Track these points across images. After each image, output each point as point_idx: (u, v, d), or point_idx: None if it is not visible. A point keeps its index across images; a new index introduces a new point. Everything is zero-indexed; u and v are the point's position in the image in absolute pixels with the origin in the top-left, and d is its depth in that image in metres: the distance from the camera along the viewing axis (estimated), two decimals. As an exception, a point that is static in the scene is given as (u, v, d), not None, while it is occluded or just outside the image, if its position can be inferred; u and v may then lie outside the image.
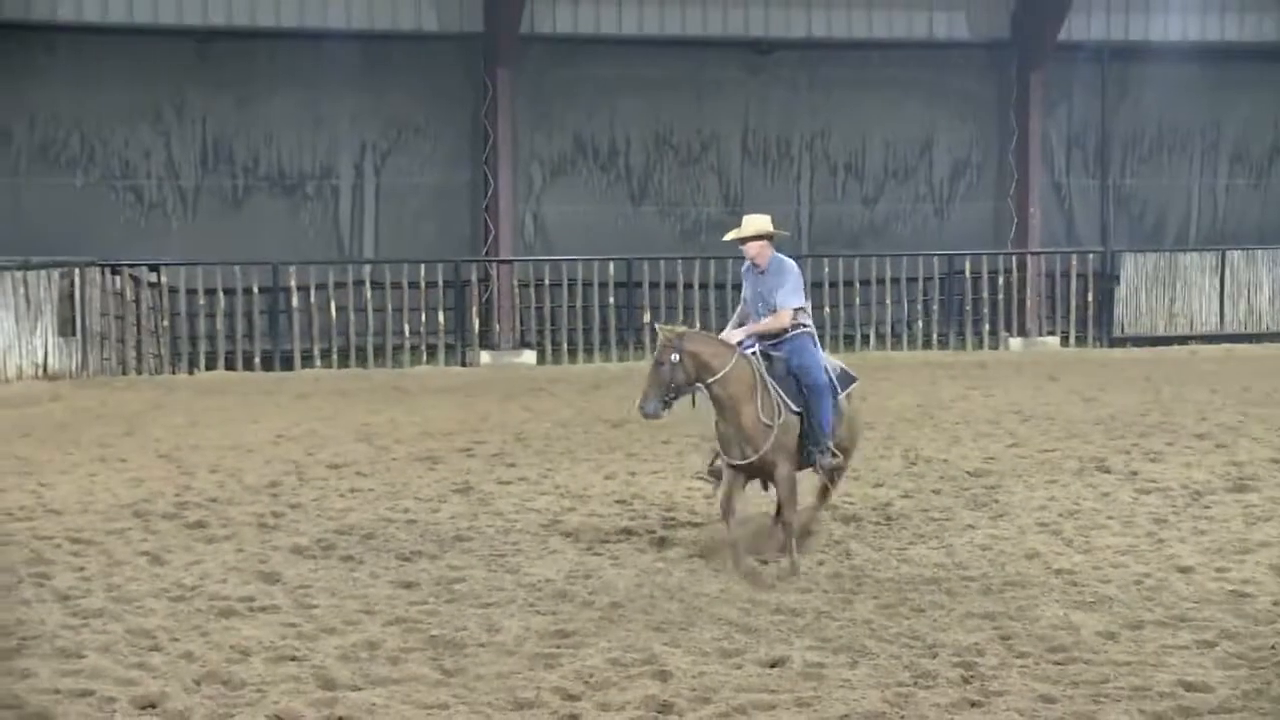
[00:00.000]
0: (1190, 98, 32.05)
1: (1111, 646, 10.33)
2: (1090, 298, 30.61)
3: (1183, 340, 30.20)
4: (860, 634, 10.60)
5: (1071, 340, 30.56)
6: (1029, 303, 30.52)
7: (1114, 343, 30.30)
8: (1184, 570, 12.38)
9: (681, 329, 13.01)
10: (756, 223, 13.42)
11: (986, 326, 30.21)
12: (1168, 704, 9.09)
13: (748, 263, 13.51)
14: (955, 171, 31.79)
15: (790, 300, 13.19)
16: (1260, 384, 23.70)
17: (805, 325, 13.28)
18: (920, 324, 30.22)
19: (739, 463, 12.74)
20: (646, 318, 28.65)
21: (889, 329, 29.94)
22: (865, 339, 29.65)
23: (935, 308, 30.33)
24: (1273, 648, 10.21)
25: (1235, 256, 30.77)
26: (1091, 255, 31.09)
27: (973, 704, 9.15)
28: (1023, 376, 25.76)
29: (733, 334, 13.34)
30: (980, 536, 13.69)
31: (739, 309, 13.71)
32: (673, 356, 12.62)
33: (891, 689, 9.41)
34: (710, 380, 12.67)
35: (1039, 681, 9.55)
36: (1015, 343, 30.22)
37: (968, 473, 16.76)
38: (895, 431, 19.54)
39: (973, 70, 31.29)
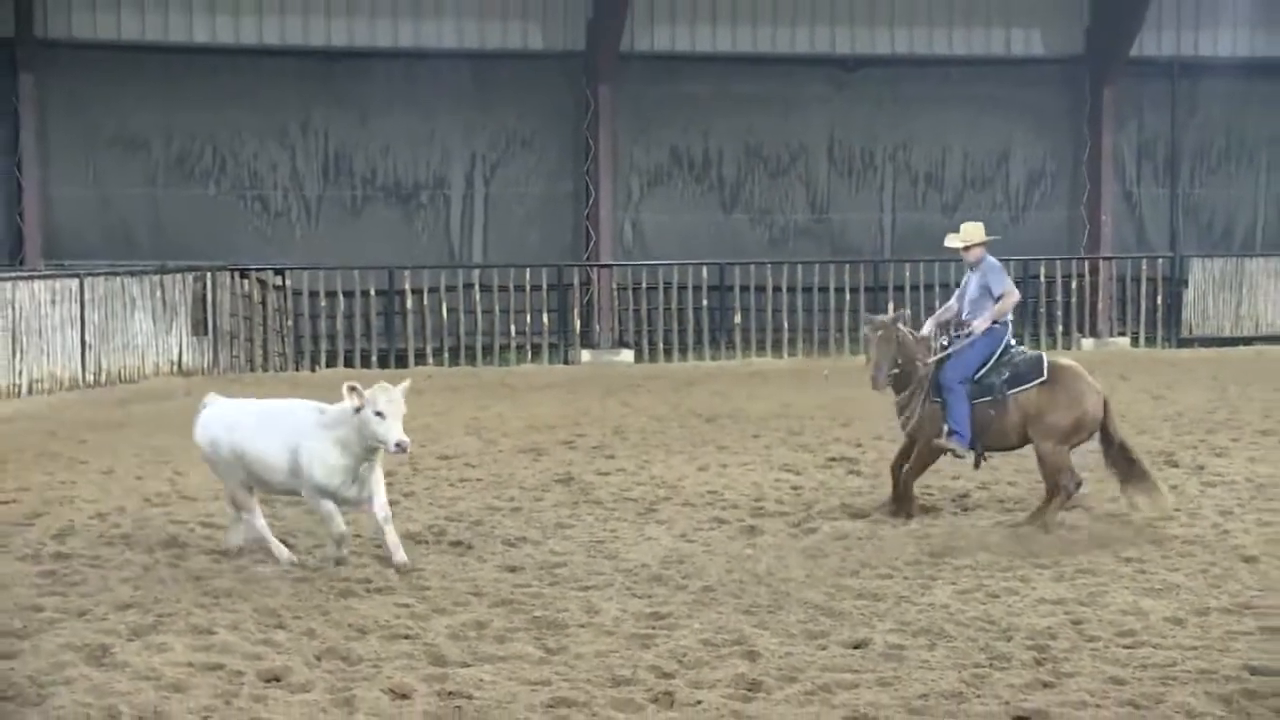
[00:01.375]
0: (1256, 111, 31.67)
1: (1179, 632, 10.25)
2: (1159, 300, 30.32)
3: (1248, 341, 29.84)
4: (939, 618, 10.57)
5: (1141, 341, 30.27)
6: (1100, 305, 30.27)
7: (1182, 343, 29.99)
8: (1248, 560, 12.26)
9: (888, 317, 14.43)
10: (975, 230, 14.36)
11: (1060, 328, 29.96)
12: (1233, 687, 9.00)
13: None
14: (1030, 181, 31.56)
15: (1002, 285, 14.11)
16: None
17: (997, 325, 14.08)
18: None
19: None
20: (737, 319, 28.70)
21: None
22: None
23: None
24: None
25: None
26: (1161, 260, 30.79)
27: (1045, 685, 9.11)
28: (1095, 375, 25.46)
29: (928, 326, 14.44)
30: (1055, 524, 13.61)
31: (945, 305, 14.71)
32: (896, 336, 13.91)
33: (968, 670, 9.38)
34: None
35: (1108, 664, 9.50)
36: (1087, 343, 29.97)
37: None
38: (973, 427, 19.38)
39: (1048, 85, 31.05)
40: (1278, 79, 31.34)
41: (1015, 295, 14.04)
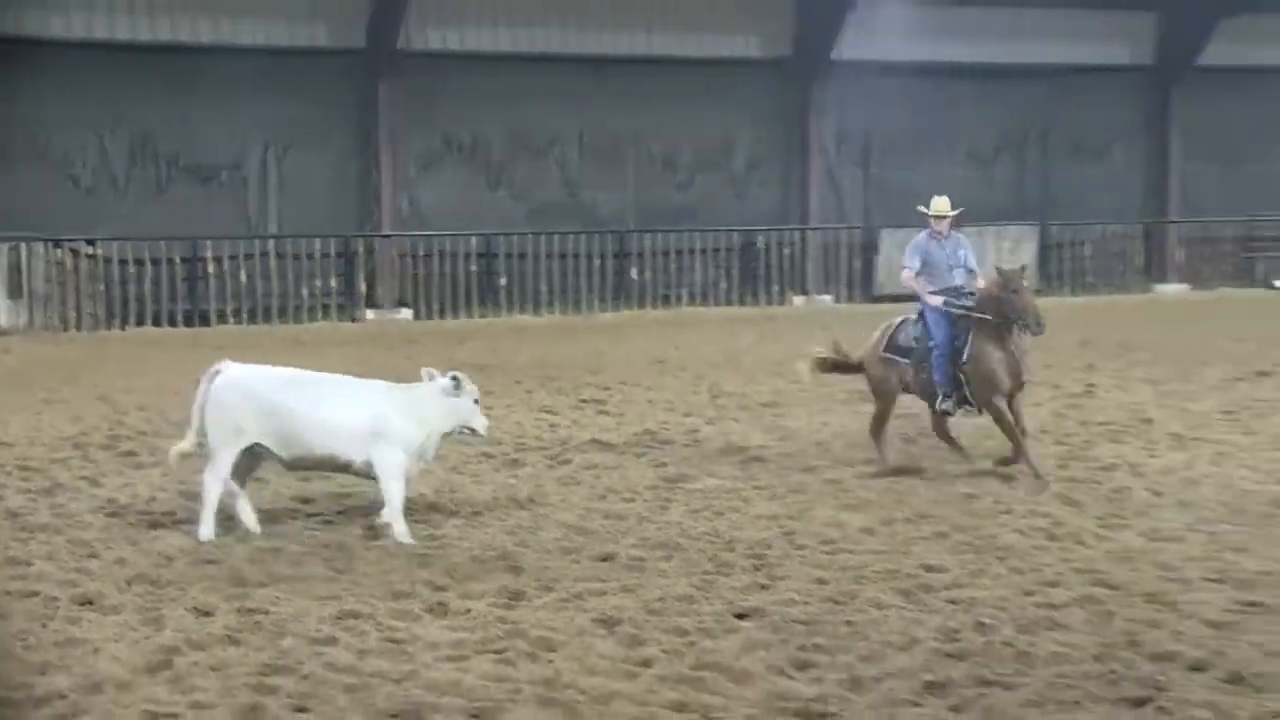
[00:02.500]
0: (933, 106, 32.42)
1: (870, 539, 10.52)
2: (856, 264, 30.99)
3: (929, 297, 30.57)
4: (673, 534, 10.69)
5: (842, 298, 30.89)
6: (809, 268, 30.82)
7: (875, 300, 30.63)
8: (925, 477, 12.59)
9: None
10: (945, 203, 13.32)
11: (776, 288, 30.44)
12: (912, 582, 9.28)
13: (926, 235, 13.32)
14: (751, 164, 31.92)
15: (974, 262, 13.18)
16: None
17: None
18: (723, 286, 30.40)
19: None
20: (503, 282, 28.67)
21: (699, 290, 30.12)
22: (679, 298, 29.77)
23: (735, 273, 30.52)
24: (993, 537, 10.45)
25: (969, 232, 31.16)
26: (857, 230, 31.46)
27: (762, 587, 9.27)
28: (804, 327, 25.98)
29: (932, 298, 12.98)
30: (770, 454, 13.84)
31: (909, 271, 13.22)
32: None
33: (698, 576, 9.50)
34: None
35: (814, 568, 9.70)
36: (798, 301, 30.49)
37: (760, 404, 16.91)
38: (703, 372, 19.64)
39: (764, 82, 31.39)
40: (948, 79, 32.10)
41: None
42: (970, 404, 12.84)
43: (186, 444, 10.90)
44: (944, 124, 32.60)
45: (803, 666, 7.75)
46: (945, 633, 8.21)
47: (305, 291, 27.68)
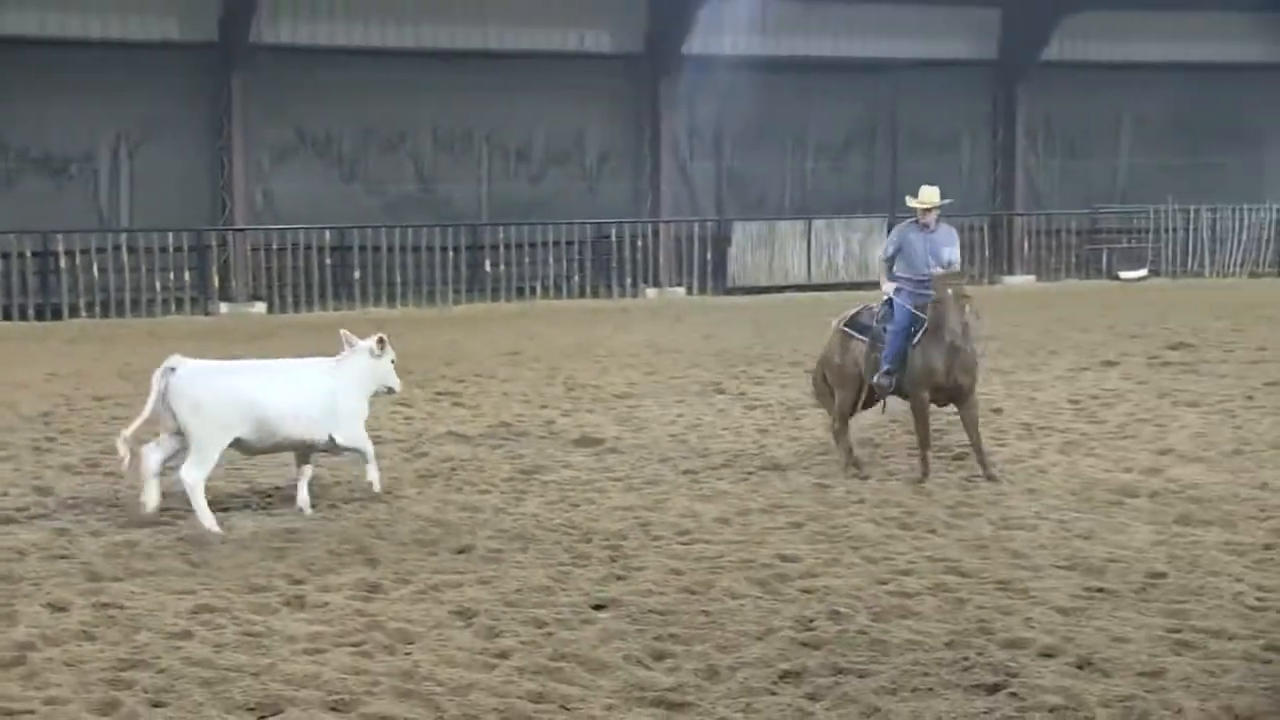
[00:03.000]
0: (784, 100, 32.69)
1: (725, 529, 10.53)
2: (709, 256, 31.13)
3: (780, 289, 30.83)
4: (529, 525, 10.62)
5: (695, 290, 31.02)
6: (662, 260, 30.90)
7: (727, 292, 30.84)
8: (780, 469, 12.67)
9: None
10: (933, 194, 12.69)
11: (629, 279, 30.48)
12: (768, 572, 9.30)
13: (909, 223, 12.75)
14: (603, 157, 31.92)
15: (957, 257, 12.59)
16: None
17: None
18: (577, 278, 30.38)
19: None
20: (357, 275, 28.42)
21: (553, 282, 30.07)
22: (534, 290, 29.68)
23: (589, 265, 30.51)
24: (846, 526, 10.53)
25: (819, 224, 31.54)
26: (710, 223, 31.60)
27: (618, 578, 9.24)
28: (656, 319, 26.08)
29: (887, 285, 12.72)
30: (625, 445, 13.83)
31: (889, 263, 12.81)
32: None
33: (554, 568, 9.45)
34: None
35: (670, 558, 9.68)
36: (651, 292, 30.56)
37: (614, 395, 16.89)
38: (558, 364, 19.58)
39: (615, 76, 31.41)
40: (798, 74, 32.38)
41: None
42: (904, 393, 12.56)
43: (130, 432, 10.72)
44: (794, 117, 32.90)
45: (659, 656, 7.73)
46: (800, 622, 8.24)
47: (158, 285, 27.23)
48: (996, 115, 34.25)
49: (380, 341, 11.42)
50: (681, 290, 30.92)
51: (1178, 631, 8.02)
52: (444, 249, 29.11)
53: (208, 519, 10.50)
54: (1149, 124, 35.48)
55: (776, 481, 12.14)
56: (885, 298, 12.69)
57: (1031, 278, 33.22)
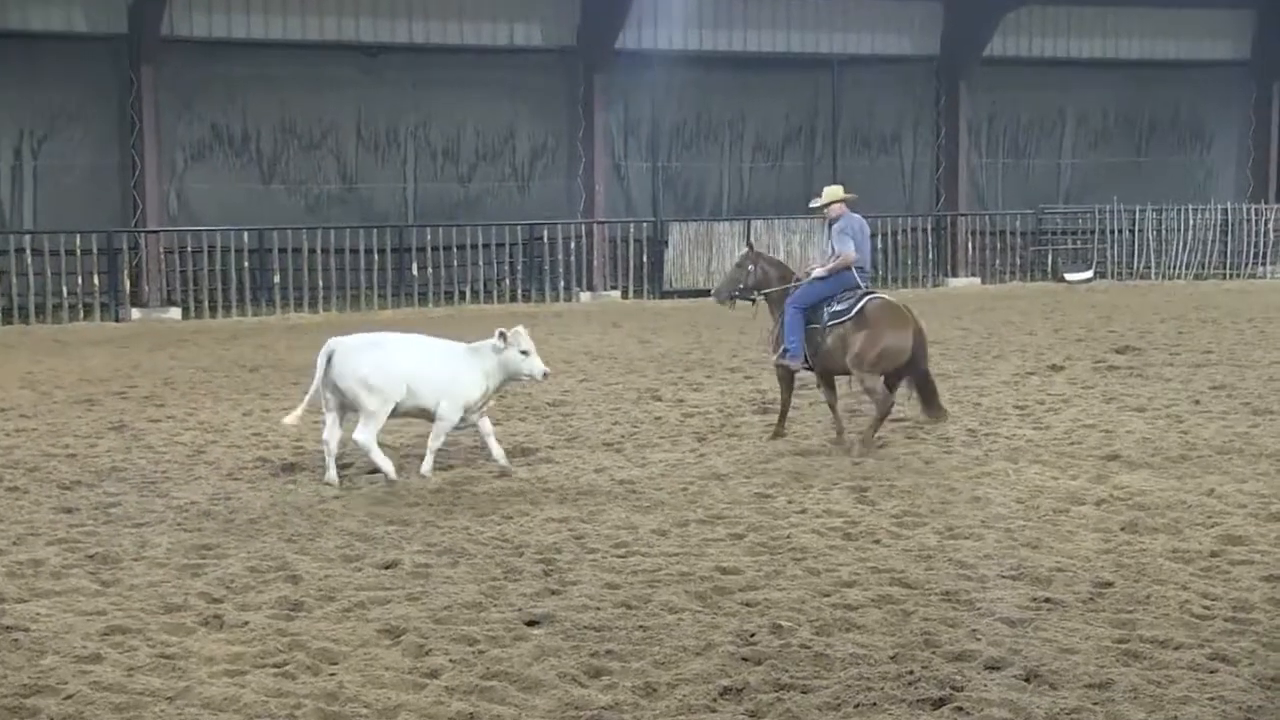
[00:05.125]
0: (721, 97, 32.85)
1: (663, 541, 10.53)
2: (645, 259, 31.18)
3: (718, 292, 30.88)
4: (460, 539, 10.59)
5: (630, 293, 31.06)
6: (596, 263, 30.93)
7: (664, 295, 30.90)
8: (719, 478, 12.71)
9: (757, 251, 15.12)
10: (834, 191, 14.65)
11: (562, 283, 30.48)
12: (707, 585, 9.32)
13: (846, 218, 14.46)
14: (534, 155, 31.94)
15: (842, 246, 14.23)
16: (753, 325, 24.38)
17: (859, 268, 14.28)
18: (508, 281, 30.36)
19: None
20: (277, 279, 28.26)
21: (482, 286, 30.02)
22: (463, 295, 29.63)
23: (520, 268, 30.49)
24: (788, 537, 10.56)
25: (758, 225, 31.67)
26: (645, 224, 31.66)
27: (552, 592, 9.23)
28: (591, 324, 26.09)
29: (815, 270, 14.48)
30: (559, 455, 13.82)
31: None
32: (749, 266, 14.70)
33: (486, 583, 9.42)
34: (765, 291, 14.65)
35: (605, 572, 9.68)
36: (585, 296, 30.58)
37: (548, 404, 16.88)
38: (488, 370, 19.50)
39: (547, 72, 31.44)
40: (737, 70, 32.56)
41: (851, 255, 14.12)
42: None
43: (299, 413, 12.74)
44: (732, 115, 33.06)
45: (595, 674, 7.73)
46: (741, 636, 8.26)
47: (65, 290, 26.90)
48: (939, 113, 34.55)
49: (501, 335, 12.83)
50: (616, 294, 30.95)
51: (1125, 642, 8.13)
52: (368, 251, 29.00)
53: (387, 465, 12.46)
54: (1093, 122, 35.94)
55: (716, 491, 12.16)
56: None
57: (975, 280, 33.51)
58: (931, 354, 14.87)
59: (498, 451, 13.02)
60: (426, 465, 12.79)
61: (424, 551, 10.20)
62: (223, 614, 8.76)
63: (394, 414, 12.70)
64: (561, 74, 31.46)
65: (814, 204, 14.71)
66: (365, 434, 12.40)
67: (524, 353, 12.84)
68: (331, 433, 12.62)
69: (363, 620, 8.63)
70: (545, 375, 13.02)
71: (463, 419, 12.83)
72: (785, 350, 14.20)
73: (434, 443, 12.83)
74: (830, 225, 14.50)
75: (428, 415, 12.80)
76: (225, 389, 18.27)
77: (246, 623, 8.59)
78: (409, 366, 12.63)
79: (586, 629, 8.43)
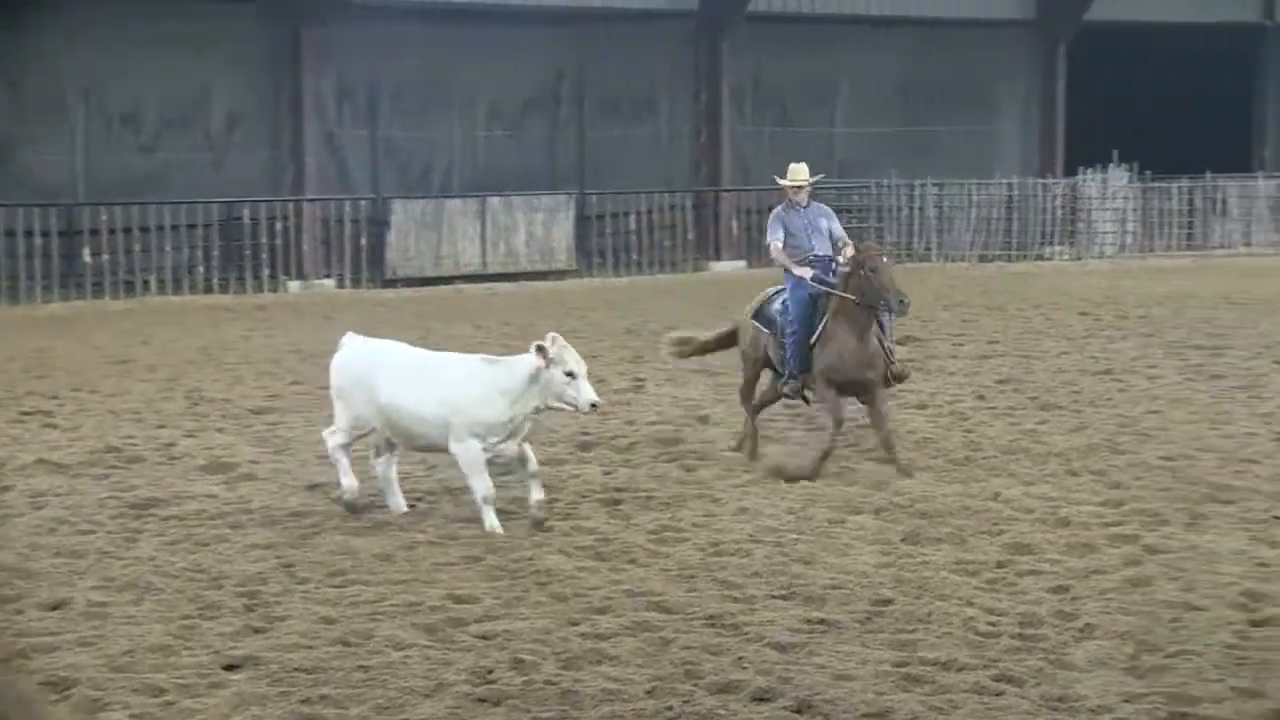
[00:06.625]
0: (452, 56, 32.65)
1: (387, 567, 10.48)
2: (364, 242, 30.88)
3: (449, 280, 30.79)
4: (145, 571, 10.37)
5: (347, 282, 30.74)
6: (306, 247, 30.51)
7: (387, 284, 30.63)
8: (452, 493, 12.64)
9: None
10: (801, 170, 14.19)
11: (266, 271, 30.00)
12: (438, 616, 9.28)
13: (784, 206, 14.17)
14: (232, 122, 31.34)
15: (773, 235, 14.00)
16: (519, 318, 24.48)
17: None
18: (201, 269, 29.75)
19: None
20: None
21: (170, 274, 29.35)
22: (147, 285, 28.93)
23: (216, 253, 29.93)
24: (531, 559, 10.56)
25: (494, 203, 31.63)
26: (364, 202, 31.36)
27: (256, 630, 9.12)
28: (302, 317, 25.77)
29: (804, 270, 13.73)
30: (264, 470, 13.62)
31: (775, 242, 13.99)
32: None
33: (176, 622, 9.26)
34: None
35: (319, 604, 9.60)
36: (294, 285, 30.16)
37: (250, 411, 16.64)
38: (178, 373, 19.18)
39: (248, 24, 30.89)
40: (461, 24, 32.40)
41: (775, 246, 13.98)
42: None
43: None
44: (465, 77, 32.89)
45: (308, 723, 7.65)
46: (478, 673, 8.25)
47: None
48: (699, 76, 34.89)
49: (540, 350, 11.57)
50: (331, 282, 30.57)
51: (905, 665, 8.33)
52: (29, 234, 28.07)
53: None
54: (869, 88, 36.70)
55: (448, 508, 12.13)
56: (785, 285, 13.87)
57: (742, 263, 33.95)
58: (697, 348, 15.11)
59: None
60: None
61: (101, 588, 9.98)
62: None
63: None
64: (264, 27, 30.92)
65: (792, 181, 14.18)
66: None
67: (569, 374, 11.54)
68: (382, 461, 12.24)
69: (23, 671, 8.36)
70: (594, 407, 11.73)
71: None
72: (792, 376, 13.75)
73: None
74: (792, 207, 14.06)
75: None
76: None
77: (-117, 677, 8.26)
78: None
79: (297, 671, 8.34)
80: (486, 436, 11.57)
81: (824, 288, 13.60)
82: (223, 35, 30.65)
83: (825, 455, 13.20)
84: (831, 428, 13.33)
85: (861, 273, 13.36)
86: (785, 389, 13.83)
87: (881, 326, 13.67)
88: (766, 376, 14.31)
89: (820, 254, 13.78)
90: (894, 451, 13.27)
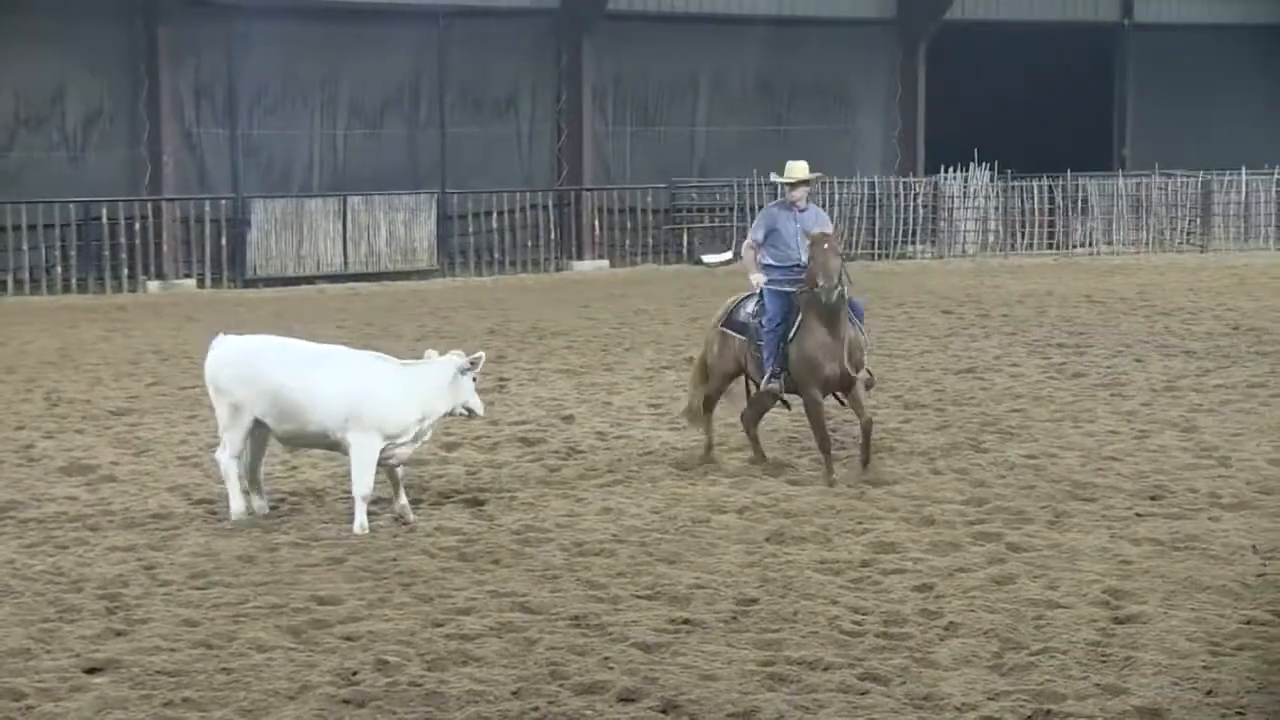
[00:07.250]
0: (311, 54, 32.45)
1: (250, 569, 10.43)
2: (224, 241, 30.59)
3: (311, 280, 30.57)
4: (3, 574, 10.25)
5: (208, 282, 30.43)
6: (165, 247, 30.17)
7: (248, 284, 30.36)
8: (316, 494, 12.62)
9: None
10: (800, 168, 13.87)
11: (125, 271, 29.64)
12: (302, 618, 9.25)
13: (777, 205, 13.97)
14: (89, 120, 30.91)
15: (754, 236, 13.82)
16: (380, 319, 24.40)
17: None
18: (59, 269, 29.32)
19: None
20: None
21: (27, 275, 28.92)
22: (3, 285, 28.48)
23: (73, 253, 29.51)
24: (394, 560, 10.56)
25: (355, 202, 31.45)
26: (224, 201, 31.05)
27: (118, 633, 9.05)
28: (162, 318, 25.48)
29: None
30: (124, 472, 13.47)
31: (751, 241, 13.89)
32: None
33: (36, 625, 9.17)
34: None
35: (181, 607, 9.54)
36: (154, 285, 29.82)
37: (110, 412, 16.46)
38: (36, 375, 18.92)
39: (103, 20, 30.48)
40: (320, 21, 32.18)
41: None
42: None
43: None
44: (324, 74, 32.67)
45: (171, 727, 7.61)
46: (342, 675, 8.24)
47: None
48: (560, 75, 34.88)
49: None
50: (191, 282, 30.26)
51: (771, 664, 8.42)
52: (-125, 235, 27.57)
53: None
54: (730, 86, 36.89)
55: (311, 509, 12.10)
56: (757, 290, 13.60)
57: (604, 263, 34.04)
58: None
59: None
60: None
61: (-45, 593, 9.83)
62: None
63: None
64: (120, 23, 30.53)
65: (790, 179, 13.91)
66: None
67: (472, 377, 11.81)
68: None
69: (-120, 678, 8.24)
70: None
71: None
72: (775, 375, 13.52)
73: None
74: (788, 208, 13.83)
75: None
76: None
77: None
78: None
79: (159, 674, 8.30)
80: (396, 436, 11.53)
81: (790, 288, 13.39)
82: (78, 33, 30.23)
83: (828, 465, 13.17)
84: (824, 459, 13.23)
85: (810, 264, 13.32)
86: (772, 386, 13.50)
87: (855, 317, 13.63)
88: (738, 385, 14.07)
89: (800, 260, 13.47)
90: (869, 445, 13.17)
